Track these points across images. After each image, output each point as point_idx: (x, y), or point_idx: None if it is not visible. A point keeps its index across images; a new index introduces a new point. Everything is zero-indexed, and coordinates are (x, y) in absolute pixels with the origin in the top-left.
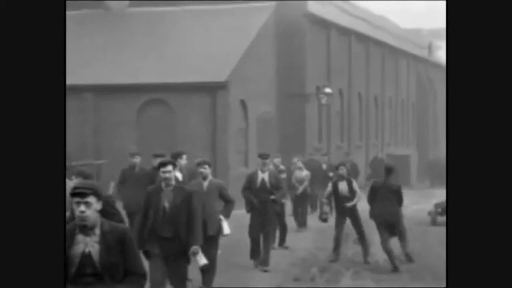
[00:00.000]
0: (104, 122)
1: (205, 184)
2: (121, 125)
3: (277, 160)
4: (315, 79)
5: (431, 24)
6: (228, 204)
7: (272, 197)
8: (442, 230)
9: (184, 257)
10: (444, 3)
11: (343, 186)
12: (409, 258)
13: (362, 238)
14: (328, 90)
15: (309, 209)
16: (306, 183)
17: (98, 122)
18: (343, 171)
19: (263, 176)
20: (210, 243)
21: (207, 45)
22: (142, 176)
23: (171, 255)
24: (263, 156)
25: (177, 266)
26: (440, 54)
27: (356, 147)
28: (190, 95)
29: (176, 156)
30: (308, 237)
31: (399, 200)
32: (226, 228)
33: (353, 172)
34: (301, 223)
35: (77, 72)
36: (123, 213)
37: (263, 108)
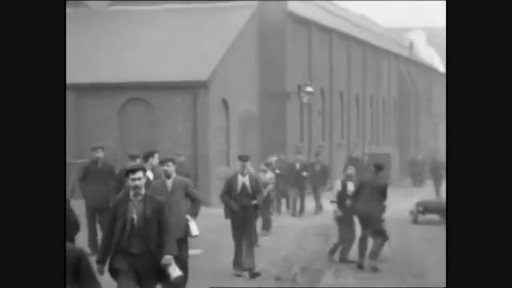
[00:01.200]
0: (84, 121)
1: (170, 183)
2: (102, 124)
3: (264, 167)
4: (296, 78)
5: (412, 23)
6: (195, 203)
7: (254, 202)
8: (423, 229)
9: (156, 274)
10: (425, 2)
11: (351, 186)
12: (372, 256)
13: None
14: (309, 89)
15: (272, 210)
16: (270, 186)
17: (79, 121)
18: (351, 171)
19: (244, 180)
20: (179, 246)
21: (188, 44)
22: (106, 171)
23: (141, 272)
24: (243, 158)
25: (149, 284)
26: (421, 53)
27: (338, 146)
28: (171, 94)
29: (148, 155)
30: (288, 236)
31: (384, 198)
32: (194, 229)
33: (323, 172)
34: (265, 226)
35: None
36: (83, 211)
37: (244, 107)
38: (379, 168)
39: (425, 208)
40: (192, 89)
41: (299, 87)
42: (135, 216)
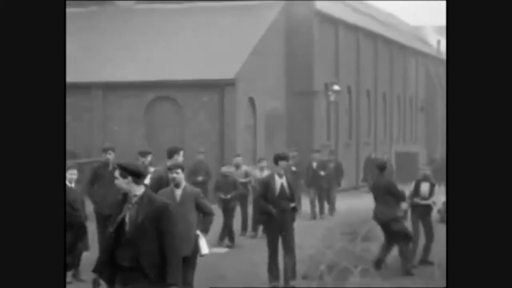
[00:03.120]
0: (112, 119)
1: (178, 192)
2: (130, 122)
3: (239, 159)
4: (323, 76)
5: (440, 21)
6: (206, 217)
7: (293, 205)
8: None
9: None
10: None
11: (425, 187)
12: (402, 260)
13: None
14: (336, 87)
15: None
16: None
17: (107, 119)
18: (425, 172)
19: (282, 181)
20: (186, 265)
21: (215, 42)
22: None
23: None
24: (283, 157)
25: None
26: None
27: (365, 144)
28: (198, 92)
29: (173, 152)
30: (313, 235)
31: (397, 199)
32: (204, 246)
33: (337, 171)
34: (256, 228)
35: (85, 70)
36: (94, 217)
37: (271, 105)
38: (381, 168)
39: None
40: (218, 87)
41: (326, 85)
42: (127, 221)
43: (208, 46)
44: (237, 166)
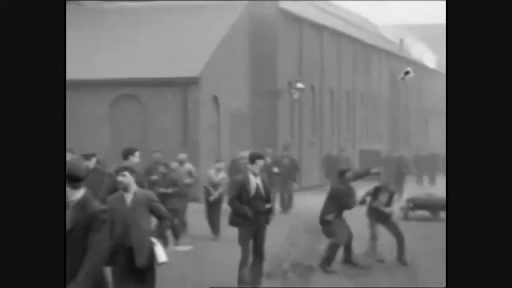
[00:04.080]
0: (76, 117)
1: (129, 197)
2: (93, 121)
3: (183, 156)
4: (287, 74)
5: (403, 20)
6: (162, 222)
7: (268, 206)
8: (414, 225)
9: None
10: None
11: (384, 197)
12: (324, 260)
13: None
14: (300, 85)
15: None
16: (221, 188)
17: (70, 117)
18: (379, 172)
19: (257, 181)
20: (141, 277)
21: (179, 41)
22: (99, 182)
23: None
24: (260, 156)
25: None
26: (412, 50)
27: (328, 142)
28: (161, 90)
29: (127, 153)
30: (279, 233)
31: (332, 201)
32: (161, 254)
33: (292, 168)
34: (215, 230)
35: None
36: None
37: (235, 104)
38: (341, 174)
39: (415, 204)
40: (182, 85)
41: (289, 83)
42: (68, 228)
43: (172, 44)
44: (181, 163)
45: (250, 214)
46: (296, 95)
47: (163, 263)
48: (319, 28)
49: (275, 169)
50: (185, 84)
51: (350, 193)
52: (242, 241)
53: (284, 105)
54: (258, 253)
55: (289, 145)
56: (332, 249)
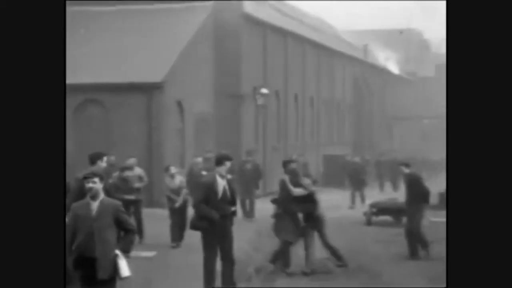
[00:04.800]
0: None
1: (95, 205)
2: None
3: (132, 161)
4: (251, 79)
5: (368, 25)
6: (127, 235)
7: (233, 208)
8: (377, 230)
9: None
10: (381, 5)
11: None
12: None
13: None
14: (264, 90)
15: None
16: (184, 192)
17: None
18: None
19: (224, 183)
20: None
21: (142, 45)
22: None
23: None
24: (228, 158)
25: None
26: (376, 55)
27: (292, 148)
28: (125, 95)
29: (95, 158)
30: (243, 237)
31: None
32: (124, 268)
33: (255, 173)
34: (178, 237)
35: None
36: None
37: (199, 109)
38: (284, 164)
39: (378, 209)
40: (146, 90)
41: (254, 89)
42: None
43: (135, 49)
44: (130, 168)
45: (217, 217)
46: (260, 100)
47: (126, 277)
48: (283, 33)
49: (203, 172)
50: (149, 89)
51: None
52: (208, 247)
53: (248, 110)
54: (228, 258)
55: (252, 151)
56: (283, 245)
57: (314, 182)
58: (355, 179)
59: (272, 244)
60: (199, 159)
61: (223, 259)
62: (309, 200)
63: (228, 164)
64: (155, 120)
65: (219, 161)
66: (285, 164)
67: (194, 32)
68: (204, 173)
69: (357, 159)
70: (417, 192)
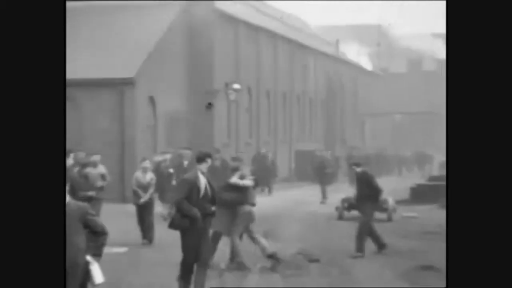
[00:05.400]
0: None
1: None
2: None
3: (96, 157)
4: (224, 75)
5: (340, 21)
6: (98, 238)
7: (213, 208)
8: (349, 225)
9: None
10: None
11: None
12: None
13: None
14: (236, 86)
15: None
16: (152, 189)
17: None
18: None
19: (205, 181)
20: None
21: (115, 41)
22: None
23: None
24: (209, 155)
25: None
26: (348, 51)
27: (265, 143)
28: (97, 91)
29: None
30: None
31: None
32: (97, 274)
33: (224, 168)
34: (148, 236)
35: None
36: None
37: (172, 104)
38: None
39: (350, 204)
40: (118, 86)
41: (226, 84)
42: None
43: (108, 45)
44: (94, 165)
45: (199, 216)
46: (232, 96)
47: (100, 283)
48: (255, 29)
49: (171, 170)
50: (121, 85)
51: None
52: (187, 247)
53: (221, 106)
54: (203, 260)
55: (220, 148)
56: (231, 242)
57: (255, 180)
58: (320, 174)
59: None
60: (167, 156)
61: (198, 261)
62: (241, 193)
63: (209, 161)
64: (127, 116)
65: (201, 158)
66: (234, 159)
67: (166, 28)
68: (171, 170)
69: (322, 154)
70: (369, 191)
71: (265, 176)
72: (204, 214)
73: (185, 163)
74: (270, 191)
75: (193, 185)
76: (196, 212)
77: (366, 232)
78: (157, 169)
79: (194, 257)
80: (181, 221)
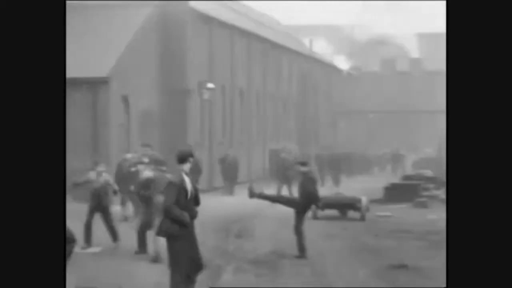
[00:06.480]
0: None
1: None
2: None
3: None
4: (197, 74)
5: (313, 20)
6: (67, 245)
7: (197, 209)
8: (323, 224)
9: None
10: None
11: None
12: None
13: None
14: (210, 85)
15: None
16: (109, 191)
17: None
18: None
19: (190, 184)
20: None
21: (88, 40)
22: None
23: None
24: (190, 154)
25: None
26: (321, 50)
27: (238, 143)
28: (70, 90)
29: None
30: None
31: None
32: (68, 283)
33: (195, 170)
34: (114, 235)
35: None
36: None
37: (145, 103)
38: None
39: (324, 203)
40: (91, 85)
41: (199, 83)
42: None
43: (81, 44)
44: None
45: (188, 221)
46: (206, 95)
47: None
48: (229, 28)
49: (133, 169)
50: (94, 84)
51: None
52: (180, 255)
53: (194, 105)
54: (196, 262)
55: (191, 145)
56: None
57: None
58: (282, 174)
59: (216, 239)
60: (129, 155)
61: (192, 264)
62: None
63: (192, 160)
64: (100, 115)
65: (183, 158)
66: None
67: (140, 27)
68: (133, 169)
69: (284, 154)
70: (307, 193)
71: (228, 177)
72: (192, 217)
73: (145, 160)
74: (231, 193)
75: (181, 188)
76: (186, 216)
77: (297, 235)
78: (120, 168)
79: (185, 262)
80: (170, 227)
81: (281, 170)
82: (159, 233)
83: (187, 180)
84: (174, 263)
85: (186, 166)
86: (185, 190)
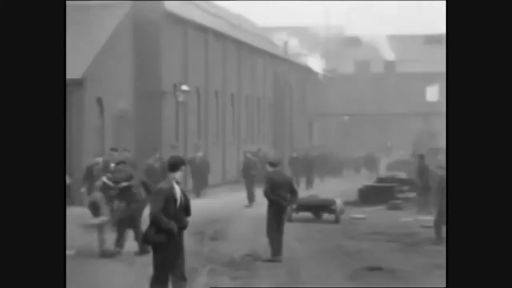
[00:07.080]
0: None
1: None
2: None
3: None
4: (172, 76)
5: (287, 23)
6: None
7: (188, 219)
8: (297, 226)
9: None
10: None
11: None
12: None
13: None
14: (185, 87)
15: None
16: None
17: None
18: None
19: (180, 191)
20: None
21: None
22: None
23: None
24: (182, 162)
25: None
26: (295, 52)
27: (213, 145)
28: None
29: None
30: None
31: None
32: None
33: (162, 173)
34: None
35: None
36: None
37: (120, 106)
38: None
39: (299, 205)
40: (65, 87)
41: (174, 86)
42: None
43: None
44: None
45: (175, 231)
46: (181, 97)
47: None
48: (204, 30)
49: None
50: (68, 86)
51: None
52: (162, 263)
53: (169, 108)
54: (180, 274)
55: (157, 150)
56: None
57: (143, 183)
58: (246, 176)
59: (192, 241)
60: (99, 159)
61: (176, 276)
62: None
63: (183, 168)
64: (74, 118)
65: (174, 166)
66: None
67: (114, 29)
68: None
69: (249, 154)
70: (274, 196)
71: (197, 178)
72: (181, 227)
73: (112, 165)
74: (198, 195)
75: (170, 196)
76: (173, 226)
77: (270, 238)
78: (89, 173)
79: (168, 273)
80: (156, 236)
81: (246, 171)
82: (145, 241)
83: (177, 188)
84: (157, 270)
85: (178, 174)
86: (174, 198)
